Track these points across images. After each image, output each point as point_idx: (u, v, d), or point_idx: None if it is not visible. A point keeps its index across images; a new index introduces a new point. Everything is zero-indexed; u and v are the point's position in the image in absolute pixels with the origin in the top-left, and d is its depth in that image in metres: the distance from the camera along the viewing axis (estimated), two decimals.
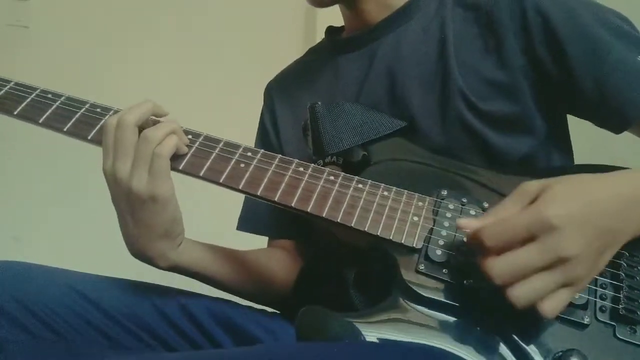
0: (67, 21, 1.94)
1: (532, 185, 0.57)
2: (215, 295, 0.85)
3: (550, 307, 0.53)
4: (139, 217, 0.69)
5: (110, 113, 0.74)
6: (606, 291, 0.60)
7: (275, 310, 0.91)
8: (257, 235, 0.96)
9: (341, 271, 0.71)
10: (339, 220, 0.65)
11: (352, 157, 0.75)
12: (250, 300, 0.89)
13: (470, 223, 0.57)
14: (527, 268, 0.53)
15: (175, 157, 0.69)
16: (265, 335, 0.79)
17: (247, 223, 0.95)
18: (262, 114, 0.99)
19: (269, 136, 0.95)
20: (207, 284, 0.82)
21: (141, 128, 0.68)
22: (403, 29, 0.82)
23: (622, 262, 0.61)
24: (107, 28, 1.93)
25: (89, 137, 0.72)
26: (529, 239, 0.53)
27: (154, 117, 0.72)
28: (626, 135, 0.76)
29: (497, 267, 0.53)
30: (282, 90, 0.97)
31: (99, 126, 0.72)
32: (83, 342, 0.71)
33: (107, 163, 0.68)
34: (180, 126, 0.72)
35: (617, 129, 0.74)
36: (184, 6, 1.98)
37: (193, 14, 1.98)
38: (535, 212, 0.54)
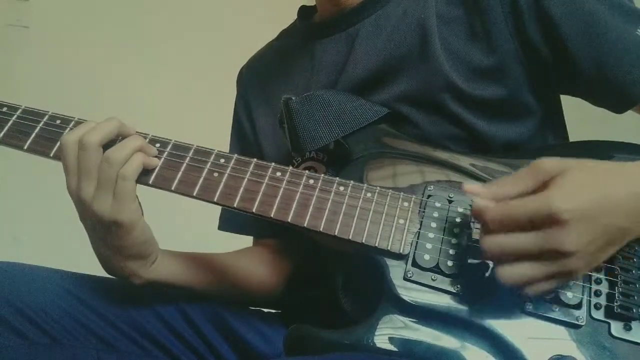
0: (67, 21, 1.94)
1: (548, 164, 0.54)
2: None
3: (534, 292, 0.54)
4: (106, 239, 0.66)
5: (71, 125, 0.69)
6: (600, 287, 0.59)
7: (270, 310, 0.90)
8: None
9: (329, 274, 0.70)
10: (321, 230, 0.62)
11: (333, 151, 0.72)
12: (236, 303, 0.85)
13: (475, 190, 0.56)
14: (521, 251, 0.52)
15: (145, 171, 0.66)
16: (261, 342, 0.79)
17: (228, 223, 0.90)
18: (235, 104, 0.94)
19: (244, 129, 0.91)
20: (188, 293, 0.79)
21: (105, 147, 0.64)
22: (382, 12, 0.77)
23: (618, 254, 0.59)
24: (106, 28, 1.93)
25: (51, 155, 0.68)
26: (531, 226, 0.52)
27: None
28: (623, 118, 0.73)
29: (491, 242, 0.53)
30: (255, 78, 0.92)
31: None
32: (79, 346, 0.71)
33: (71, 183, 0.64)
34: (148, 135, 0.68)
35: (620, 109, 0.71)
36: (185, 7, 1.98)
37: (194, 14, 1.98)
38: (544, 202, 0.52)
